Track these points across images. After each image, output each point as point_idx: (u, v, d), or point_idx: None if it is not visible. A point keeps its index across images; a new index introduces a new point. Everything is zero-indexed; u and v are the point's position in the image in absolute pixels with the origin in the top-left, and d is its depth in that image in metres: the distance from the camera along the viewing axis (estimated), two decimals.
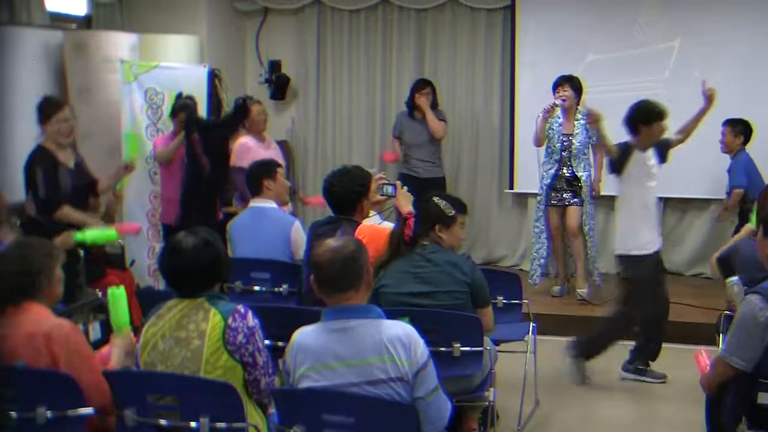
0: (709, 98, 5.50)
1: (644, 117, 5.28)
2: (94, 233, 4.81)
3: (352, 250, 2.97)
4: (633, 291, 5.39)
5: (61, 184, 5.06)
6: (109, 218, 5.50)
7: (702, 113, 5.58)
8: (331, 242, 3.00)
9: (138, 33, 7.16)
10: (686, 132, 5.61)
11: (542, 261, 6.90)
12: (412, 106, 7.41)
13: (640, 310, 5.39)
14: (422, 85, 7.41)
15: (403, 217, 3.87)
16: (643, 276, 5.33)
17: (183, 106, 6.26)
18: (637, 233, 5.31)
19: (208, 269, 3.07)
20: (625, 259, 5.37)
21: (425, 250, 3.81)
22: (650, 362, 5.52)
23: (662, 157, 5.45)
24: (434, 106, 7.42)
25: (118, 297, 3.31)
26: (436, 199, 3.92)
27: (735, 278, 3.68)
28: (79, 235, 4.68)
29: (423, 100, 7.28)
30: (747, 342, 3.20)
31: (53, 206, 4.99)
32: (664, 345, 5.94)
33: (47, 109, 5.09)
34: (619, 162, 5.29)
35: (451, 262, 3.79)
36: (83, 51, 6.70)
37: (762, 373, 3.23)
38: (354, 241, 3.06)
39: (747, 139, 6.61)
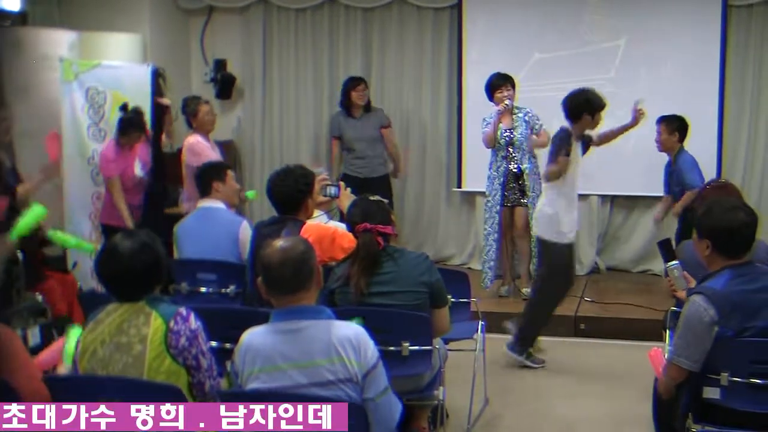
0: (636, 118, 5.76)
1: (590, 106, 5.39)
2: (24, 220, 4.52)
3: (302, 250, 2.94)
4: (550, 275, 5.63)
5: (9, 185, 4.97)
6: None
7: (625, 129, 5.87)
8: (280, 243, 2.97)
9: (77, 30, 7.02)
10: (605, 139, 5.85)
11: (492, 263, 6.90)
12: (348, 105, 7.41)
13: (554, 292, 5.64)
14: (357, 82, 7.44)
15: (367, 229, 3.73)
16: (561, 262, 5.56)
17: (135, 124, 6.13)
18: (560, 222, 5.48)
19: (146, 272, 3.00)
20: (547, 245, 5.56)
21: (386, 250, 3.78)
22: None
23: (584, 150, 5.62)
24: (367, 104, 7.45)
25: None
26: (374, 198, 3.90)
27: (675, 262, 3.73)
28: (13, 234, 4.51)
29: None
30: (694, 342, 3.25)
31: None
32: (611, 342, 6.06)
33: None
34: (563, 149, 5.35)
35: (411, 263, 3.77)
36: (19, 48, 6.56)
37: (706, 369, 3.29)
38: (303, 242, 3.03)
39: (683, 137, 6.53)
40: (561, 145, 5.36)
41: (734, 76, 7.53)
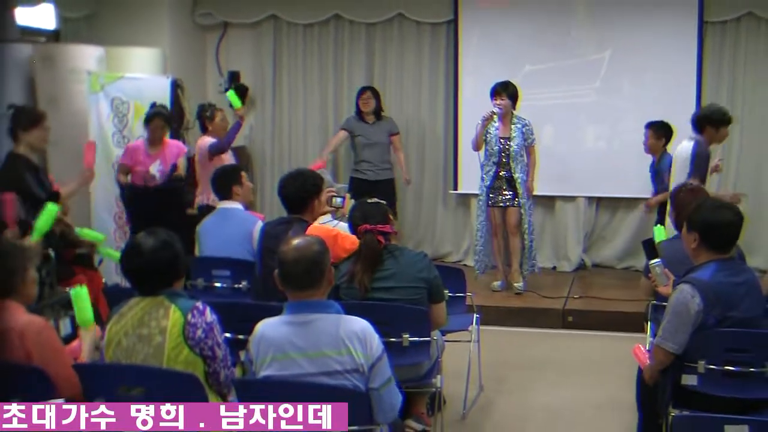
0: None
1: (710, 119, 5.66)
2: (40, 221, 4.49)
3: (316, 251, 2.96)
4: None
5: (46, 187, 5.02)
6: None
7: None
8: (297, 241, 2.99)
9: (104, 46, 7.05)
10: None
11: (477, 257, 6.94)
12: (359, 112, 7.54)
13: None
14: (362, 91, 7.58)
15: (368, 230, 3.75)
16: None
17: (156, 112, 6.30)
18: None
19: (166, 268, 3.02)
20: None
21: (387, 248, 3.80)
22: None
23: None
24: (378, 112, 7.52)
25: (80, 295, 3.25)
26: (372, 200, 3.91)
27: (657, 260, 3.75)
28: (36, 234, 4.49)
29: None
30: (679, 328, 3.27)
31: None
32: (597, 333, 6.05)
33: (34, 116, 5.10)
34: (703, 166, 5.56)
35: (411, 260, 3.79)
36: (51, 63, 6.58)
37: (686, 357, 3.31)
38: (319, 243, 3.03)
39: (668, 140, 6.64)
40: (701, 161, 5.54)
41: (710, 86, 7.53)
